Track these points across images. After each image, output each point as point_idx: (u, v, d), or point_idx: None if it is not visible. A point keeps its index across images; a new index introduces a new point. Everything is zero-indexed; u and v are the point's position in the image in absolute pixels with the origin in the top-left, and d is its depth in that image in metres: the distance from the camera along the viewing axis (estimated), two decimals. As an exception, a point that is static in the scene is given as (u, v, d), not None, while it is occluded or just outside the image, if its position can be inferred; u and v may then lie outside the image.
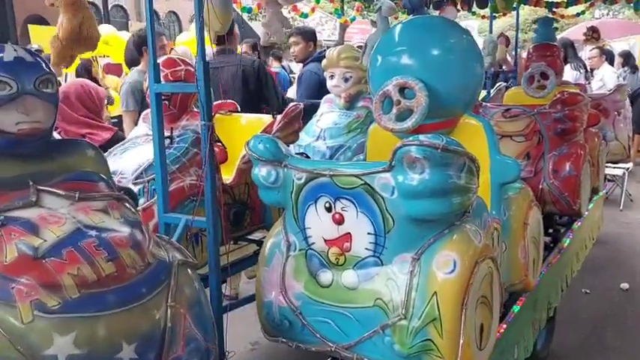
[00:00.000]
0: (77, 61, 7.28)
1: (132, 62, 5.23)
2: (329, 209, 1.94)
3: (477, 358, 1.88)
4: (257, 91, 4.38)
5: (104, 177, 1.88)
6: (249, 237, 3.41)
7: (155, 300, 1.60)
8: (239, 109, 3.83)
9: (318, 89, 4.61)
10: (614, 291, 4.62)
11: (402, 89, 2.20)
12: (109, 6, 15.37)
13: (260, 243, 3.43)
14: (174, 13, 21.79)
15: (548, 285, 3.13)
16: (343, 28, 14.71)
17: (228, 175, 3.09)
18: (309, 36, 5.12)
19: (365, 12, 6.71)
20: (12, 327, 1.38)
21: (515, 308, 2.56)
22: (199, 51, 2.20)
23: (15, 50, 1.69)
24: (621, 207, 6.81)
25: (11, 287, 1.42)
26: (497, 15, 5.83)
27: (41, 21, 17.94)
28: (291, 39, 4.97)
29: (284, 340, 2.12)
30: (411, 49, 2.27)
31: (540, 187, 3.45)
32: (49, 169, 1.77)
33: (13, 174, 1.69)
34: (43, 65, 1.74)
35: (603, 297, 4.51)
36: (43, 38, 9.67)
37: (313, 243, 2.03)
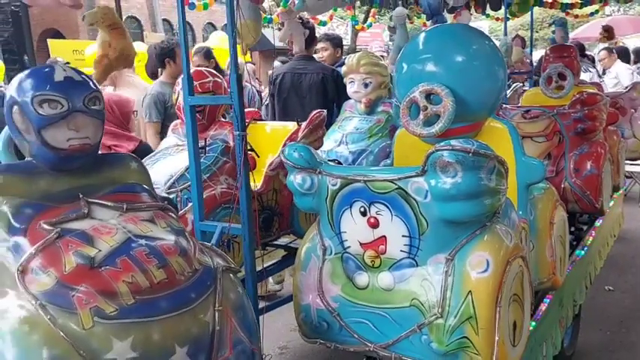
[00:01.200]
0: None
1: (153, 74, 5.34)
2: (364, 213, 2.01)
3: (511, 355, 1.94)
4: (335, 99, 4.48)
5: (147, 188, 1.97)
6: (276, 242, 3.48)
7: (203, 304, 1.67)
8: (262, 116, 3.91)
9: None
10: (638, 287, 4.64)
11: (428, 95, 2.25)
12: (124, 17, 15.54)
13: (288, 248, 3.51)
14: (187, 23, 21.91)
15: (573, 282, 3.17)
16: (355, 32, 14.80)
17: (256, 183, 3.17)
18: (337, 42, 5.22)
19: (377, 16, 6.78)
20: (74, 332, 1.46)
21: (544, 305, 2.62)
22: (232, 63, 2.28)
23: (64, 70, 1.78)
24: (640, 203, 6.82)
25: (71, 295, 1.50)
26: (510, 17, 5.88)
27: (57, 35, 18.23)
28: (320, 44, 5.06)
29: (322, 341, 2.18)
30: (435, 56, 2.33)
31: (562, 186, 3.50)
32: (96, 182, 1.86)
33: (63, 188, 1.79)
34: (91, 84, 1.82)
35: (627, 294, 4.53)
36: (61, 51, 9.88)
37: (349, 246, 2.09)
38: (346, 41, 17.19)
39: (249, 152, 2.47)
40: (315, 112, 3.47)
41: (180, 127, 3.36)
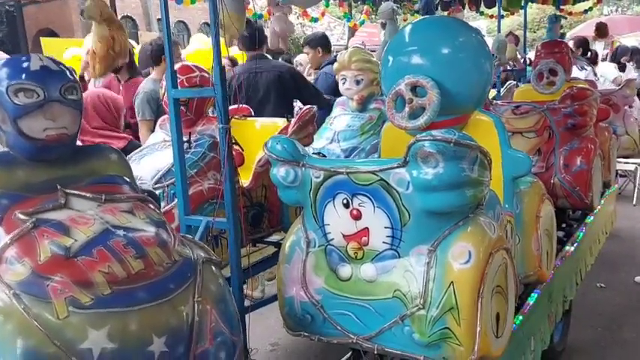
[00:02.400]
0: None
1: (146, 74, 5.32)
2: (347, 205, 2.00)
3: (494, 346, 1.92)
4: (294, 96, 4.48)
5: (128, 180, 1.95)
6: (267, 239, 3.47)
7: (182, 295, 1.66)
8: (252, 113, 3.90)
9: (333, 90, 4.74)
10: (630, 285, 4.64)
11: (413, 88, 2.24)
12: (119, 17, 15.53)
13: (278, 245, 3.50)
14: (182, 22, 21.92)
15: (563, 278, 3.17)
16: (352, 32, 14.80)
17: (245, 179, 3.15)
18: (315, 43, 5.24)
19: (373, 16, 6.79)
20: (48, 322, 1.45)
21: (531, 299, 2.61)
22: (215, 56, 2.27)
23: (41, 59, 1.77)
24: (634, 202, 6.81)
25: (46, 285, 1.49)
26: (505, 14, 5.87)
27: (52, 34, 18.24)
28: (304, 51, 5.09)
29: (306, 334, 2.17)
30: (421, 48, 2.32)
31: (552, 181, 3.50)
32: (75, 173, 1.85)
33: (41, 179, 1.77)
34: (68, 73, 1.81)
35: (619, 291, 4.53)
36: (54, 50, 9.87)
37: (332, 239, 2.08)
38: (343, 41, 17.24)
39: (234, 146, 2.45)
40: (305, 108, 3.47)
41: (168, 123, 3.35)
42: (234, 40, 2.69)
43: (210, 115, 3.35)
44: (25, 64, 1.73)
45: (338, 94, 4.25)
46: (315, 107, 3.56)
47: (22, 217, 1.60)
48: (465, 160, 1.82)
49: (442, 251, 1.88)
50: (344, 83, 3.85)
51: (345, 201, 2.00)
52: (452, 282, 1.83)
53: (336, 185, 2.01)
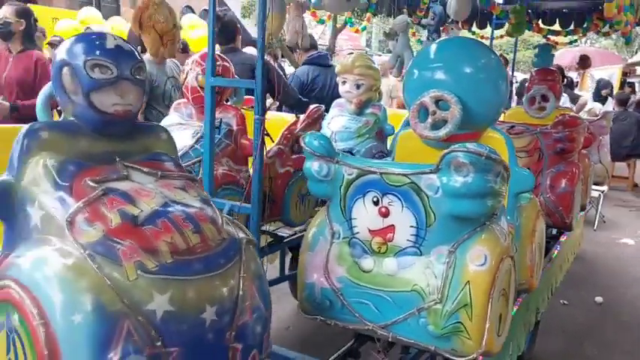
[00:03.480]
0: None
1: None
2: (376, 203, 2.17)
3: (496, 343, 2.12)
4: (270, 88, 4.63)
5: (175, 158, 2.08)
6: (263, 229, 3.61)
7: (230, 270, 1.79)
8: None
9: (300, 91, 4.99)
10: (590, 304, 4.96)
11: (437, 101, 2.43)
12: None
13: (274, 235, 3.65)
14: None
15: (539, 290, 3.40)
16: (334, 34, 14.99)
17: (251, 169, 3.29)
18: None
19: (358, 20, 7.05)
20: (119, 282, 1.56)
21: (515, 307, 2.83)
22: (259, 50, 2.41)
23: (115, 39, 1.88)
24: (595, 227, 7.20)
25: (117, 249, 1.60)
26: (495, 37, 6.15)
27: (29, 1, 17.85)
28: None
29: (322, 318, 2.33)
30: (446, 65, 2.50)
31: (538, 200, 3.74)
32: (130, 148, 1.96)
33: (101, 150, 1.88)
34: (136, 54, 1.93)
35: (580, 309, 4.84)
36: (39, 18, 9.75)
37: (358, 232, 2.25)
38: (323, 41, 17.41)
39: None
40: (313, 106, 3.62)
41: (184, 107, 3.46)
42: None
43: (225, 103, 3.47)
44: (100, 42, 1.84)
45: (303, 95, 4.43)
46: (322, 107, 3.72)
47: (92, 184, 1.72)
48: (491, 173, 2.01)
49: (461, 253, 2.07)
50: (344, 86, 4.01)
51: (375, 199, 2.17)
52: (468, 281, 2.02)
53: (368, 184, 2.17)
